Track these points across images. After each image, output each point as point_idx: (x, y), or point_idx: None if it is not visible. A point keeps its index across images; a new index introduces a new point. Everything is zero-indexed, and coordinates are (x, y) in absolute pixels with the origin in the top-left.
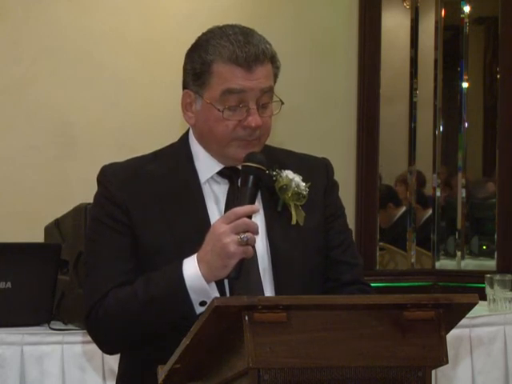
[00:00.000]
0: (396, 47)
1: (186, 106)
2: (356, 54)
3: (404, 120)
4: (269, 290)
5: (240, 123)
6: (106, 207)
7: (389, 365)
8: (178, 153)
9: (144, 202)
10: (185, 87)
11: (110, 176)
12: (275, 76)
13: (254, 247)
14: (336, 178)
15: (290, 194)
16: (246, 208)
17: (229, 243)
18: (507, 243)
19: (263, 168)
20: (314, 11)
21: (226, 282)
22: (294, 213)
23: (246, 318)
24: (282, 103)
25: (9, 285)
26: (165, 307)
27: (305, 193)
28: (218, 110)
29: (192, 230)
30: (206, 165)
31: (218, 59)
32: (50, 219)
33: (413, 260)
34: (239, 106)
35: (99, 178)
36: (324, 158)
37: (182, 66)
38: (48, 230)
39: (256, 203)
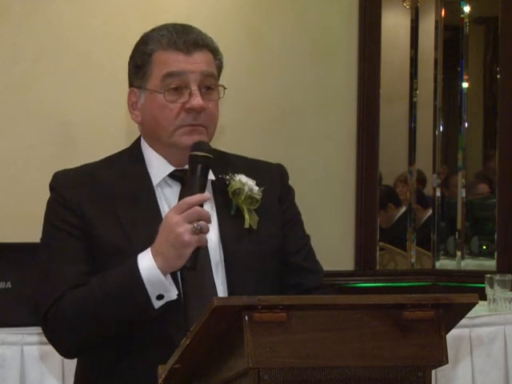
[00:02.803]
0: (396, 47)
1: (132, 105)
2: (356, 54)
3: (404, 120)
4: (220, 285)
5: (183, 106)
6: (59, 212)
7: (389, 365)
8: (130, 157)
9: (97, 205)
10: (130, 86)
11: (62, 181)
12: (218, 69)
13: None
14: (336, 177)
15: (243, 198)
16: (197, 197)
17: (183, 232)
18: (507, 243)
19: (210, 156)
20: (314, 11)
21: (178, 274)
22: (247, 216)
23: (246, 318)
24: (225, 88)
25: (9, 285)
26: (122, 302)
27: (258, 197)
28: (160, 92)
29: (146, 230)
30: (158, 168)
31: (158, 48)
32: None
33: (413, 260)
34: (181, 88)
35: (51, 184)
36: (279, 164)
37: None
38: None
39: (208, 206)
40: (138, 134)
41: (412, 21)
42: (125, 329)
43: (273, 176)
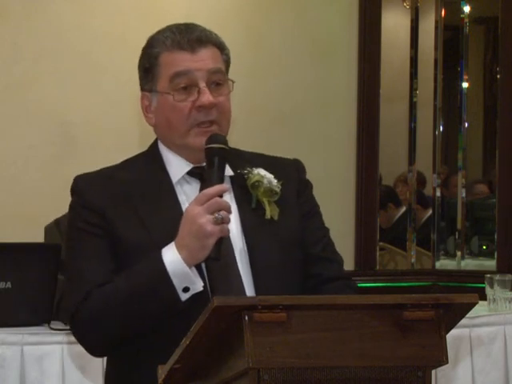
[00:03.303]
0: (396, 47)
1: (146, 109)
2: (356, 54)
3: (404, 120)
4: (245, 274)
5: (194, 105)
6: (82, 214)
7: (389, 365)
8: (148, 159)
9: (118, 205)
10: (141, 90)
11: (82, 184)
12: (226, 64)
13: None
14: (336, 177)
15: (262, 190)
16: (216, 188)
17: (205, 223)
18: (507, 243)
19: (226, 147)
20: (314, 11)
21: (203, 266)
22: (267, 207)
23: (246, 317)
24: (233, 82)
25: (9, 285)
26: (148, 296)
27: (277, 189)
28: (169, 93)
29: (168, 227)
30: (176, 166)
31: (163, 50)
32: (50, 219)
33: (413, 260)
34: (189, 88)
35: (73, 188)
36: (295, 159)
37: None
38: (48, 230)
39: (228, 199)
40: (138, 134)
41: (412, 21)
42: (152, 323)
43: (290, 170)
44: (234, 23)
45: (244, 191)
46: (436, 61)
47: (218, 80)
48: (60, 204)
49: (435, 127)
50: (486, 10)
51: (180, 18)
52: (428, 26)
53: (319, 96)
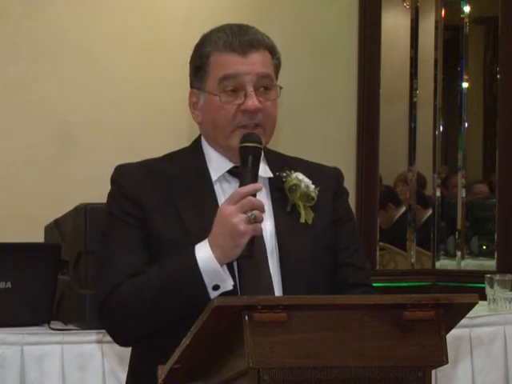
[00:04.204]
0: (396, 47)
1: (193, 106)
2: (356, 54)
3: (404, 120)
4: (275, 275)
5: (239, 108)
6: (121, 202)
7: (389, 365)
8: (190, 154)
9: (157, 198)
10: (191, 87)
11: (123, 173)
12: (276, 68)
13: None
14: None
15: (299, 195)
16: (250, 187)
17: (238, 222)
18: (507, 243)
19: (260, 146)
20: (314, 11)
21: (235, 265)
22: (302, 212)
23: (246, 317)
24: (281, 88)
25: (9, 285)
26: (179, 291)
27: (314, 194)
28: (216, 95)
29: (203, 224)
30: (218, 164)
31: (215, 50)
32: (50, 219)
33: (413, 260)
34: (237, 90)
35: (113, 176)
36: (335, 167)
37: None
38: (48, 229)
39: (264, 200)
40: (138, 134)
41: (412, 21)
42: (180, 318)
43: (329, 177)
44: (233, 23)
45: (281, 194)
46: (436, 61)
47: (266, 85)
48: (60, 204)
49: (435, 127)
50: (486, 9)
51: (180, 18)
52: (428, 26)
53: (319, 96)
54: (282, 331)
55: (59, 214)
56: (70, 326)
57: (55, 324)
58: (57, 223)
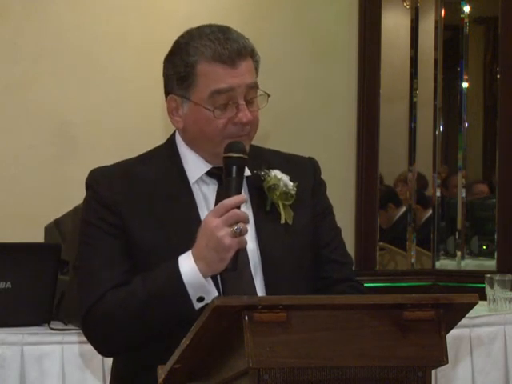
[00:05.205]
0: (396, 47)
1: (172, 112)
2: (356, 54)
3: (404, 120)
4: (259, 282)
5: (230, 120)
6: (97, 210)
7: (389, 365)
8: (166, 155)
9: (134, 203)
10: (169, 93)
11: (98, 179)
12: (256, 70)
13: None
14: (336, 177)
15: (278, 194)
16: (235, 199)
17: (223, 236)
18: (507, 243)
19: (244, 156)
20: (314, 11)
21: (218, 276)
22: (282, 212)
23: (246, 317)
24: (269, 96)
25: (9, 285)
26: (163, 304)
27: (293, 192)
28: (209, 109)
29: (184, 229)
30: (195, 166)
31: (202, 59)
32: (50, 219)
33: (413, 260)
34: (228, 104)
35: (88, 182)
36: (311, 158)
37: (162, 72)
38: (48, 230)
39: (244, 202)
40: (138, 134)
41: (412, 21)
42: (165, 330)
43: (306, 169)
44: (233, 23)
45: (259, 192)
46: (436, 61)
47: (254, 95)
48: (60, 204)
49: (435, 127)
50: (486, 10)
51: (180, 18)
52: (428, 26)
53: (319, 96)
54: (281, 331)
55: (59, 214)
56: (70, 326)
57: (55, 324)
58: (57, 223)
